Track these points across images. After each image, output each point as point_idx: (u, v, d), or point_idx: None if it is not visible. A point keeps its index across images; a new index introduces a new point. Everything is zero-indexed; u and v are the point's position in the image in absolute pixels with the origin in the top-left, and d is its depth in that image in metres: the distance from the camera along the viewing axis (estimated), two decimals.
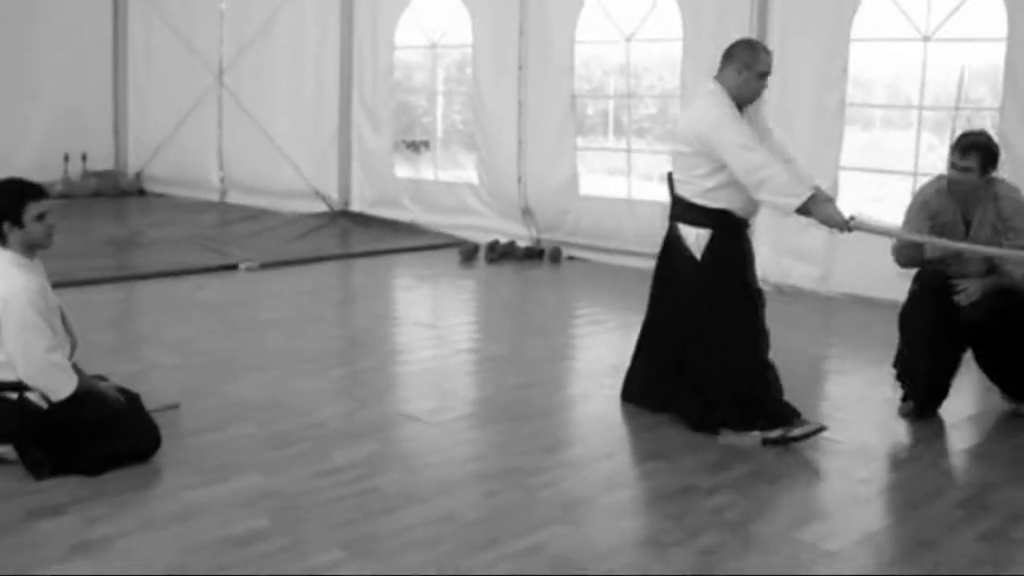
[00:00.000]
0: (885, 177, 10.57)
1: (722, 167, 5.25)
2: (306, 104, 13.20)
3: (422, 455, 5.14)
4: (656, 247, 9.92)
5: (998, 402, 5.94)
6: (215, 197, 14.55)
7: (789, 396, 5.42)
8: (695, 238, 5.40)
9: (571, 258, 10.63)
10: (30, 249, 4.78)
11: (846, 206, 5.57)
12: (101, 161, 15.51)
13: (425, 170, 12.95)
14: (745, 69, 5.31)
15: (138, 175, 15.64)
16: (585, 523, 4.32)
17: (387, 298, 9.53)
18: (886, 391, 6.07)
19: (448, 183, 12.15)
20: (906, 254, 5.71)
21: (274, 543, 4.04)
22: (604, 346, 7.55)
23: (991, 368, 5.87)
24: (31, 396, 4.71)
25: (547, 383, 6.57)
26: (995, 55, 8.10)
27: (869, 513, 4.61)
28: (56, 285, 5.07)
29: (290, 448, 5.11)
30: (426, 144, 13.89)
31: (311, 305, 8.75)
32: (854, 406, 6.02)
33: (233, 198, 14.37)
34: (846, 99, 8.75)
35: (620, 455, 5.19)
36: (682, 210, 5.50)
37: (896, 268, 5.87)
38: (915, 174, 8.46)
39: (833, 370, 6.65)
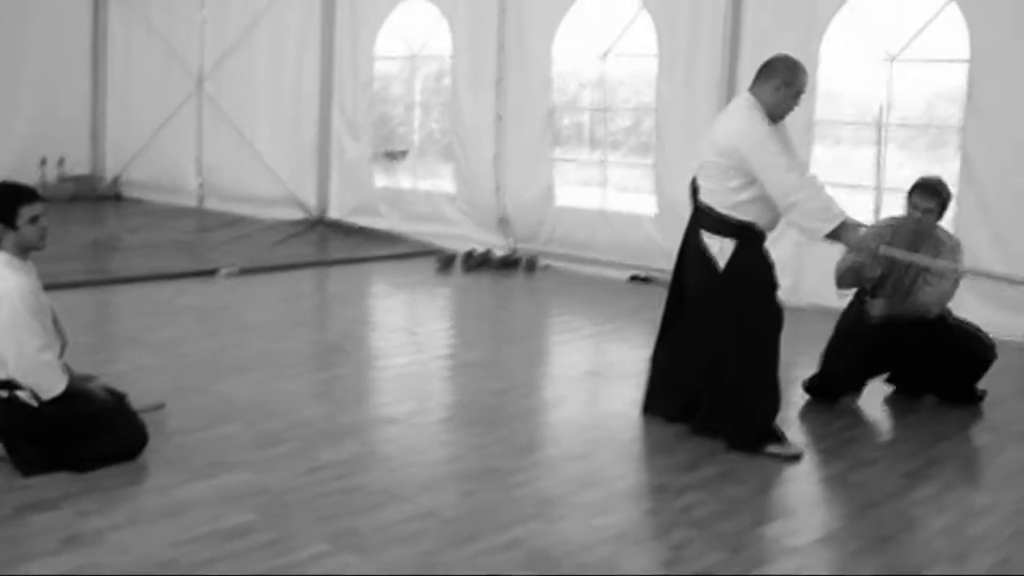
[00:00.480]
0: (856, 192, 10.80)
1: (753, 181, 5.32)
2: (286, 112, 13.35)
3: (403, 455, 5.31)
4: (630, 257, 10.27)
5: (954, 413, 6.22)
6: (193, 203, 14.66)
7: None
8: (719, 248, 5.45)
9: (547, 267, 10.83)
10: (23, 251, 4.91)
11: None
12: (78, 165, 15.60)
13: (403, 179, 13.13)
14: (784, 87, 5.39)
15: (115, 180, 15.73)
16: (560, 520, 4.50)
17: (366, 304, 9.69)
18: (849, 398, 6.35)
19: (426, 192, 12.34)
20: (847, 280, 6.23)
21: (262, 537, 4.20)
22: (578, 352, 7.75)
23: (921, 380, 6.40)
24: (21, 394, 4.83)
25: (523, 388, 6.77)
26: (958, 76, 8.35)
27: (831, 511, 4.85)
28: None
29: (276, 447, 5.27)
30: (403, 154, 14.06)
31: (291, 310, 8.92)
32: (819, 411, 6.24)
33: (211, 204, 14.48)
34: (814, 116, 9.00)
35: (594, 456, 5.36)
36: (707, 219, 5.52)
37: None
38: (878, 188, 8.70)
39: (799, 377, 6.84)
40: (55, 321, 5.06)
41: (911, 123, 9.37)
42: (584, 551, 4.19)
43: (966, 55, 8.21)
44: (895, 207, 6.68)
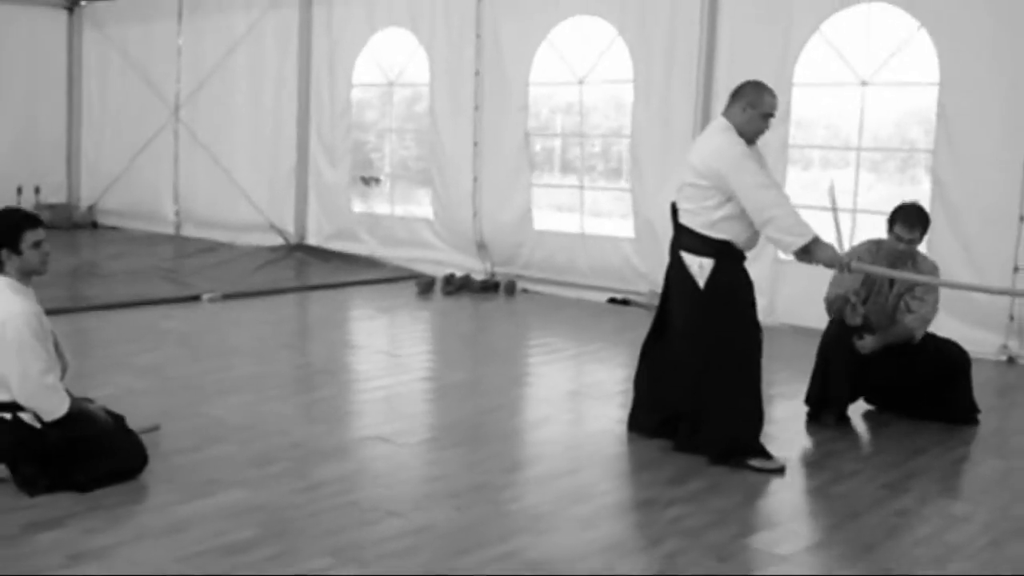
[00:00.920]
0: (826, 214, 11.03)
1: (730, 200, 5.54)
2: (264, 139, 13.49)
3: (395, 473, 5.43)
4: (609, 280, 10.45)
5: (931, 428, 6.41)
6: (170, 230, 14.78)
7: None
8: (698, 267, 5.64)
9: (525, 291, 10.99)
10: (26, 276, 5.02)
11: None
12: (54, 194, 15.68)
13: (381, 205, 13.27)
14: (750, 108, 5.63)
15: (91, 208, 15.80)
16: (553, 532, 4.63)
17: (349, 328, 9.82)
18: (827, 416, 6.52)
19: (404, 218, 12.49)
20: (838, 307, 6.40)
21: (265, 551, 4.31)
22: (560, 373, 7.89)
23: (914, 404, 6.60)
24: (24, 416, 4.94)
25: (507, 408, 6.91)
26: (928, 99, 8.59)
27: (815, 521, 5.01)
28: None
29: (270, 466, 5.38)
30: (376, 180, 14.22)
31: (275, 335, 9.03)
32: (799, 426, 6.42)
33: (188, 231, 14.61)
34: (788, 140, 9.22)
35: (582, 472, 5.49)
36: (687, 239, 5.72)
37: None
38: (854, 211, 8.93)
39: (779, 394, 7.03)
40: (56, 345, 5.16)
41: (884, 146, 9.59)
42: (579, 561, 4.33)
43: (936, 79, 8.45)
44: (867, 230, 6.90)
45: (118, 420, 5.31)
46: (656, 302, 6.31)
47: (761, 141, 5.87)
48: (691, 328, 5.76)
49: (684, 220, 5.76)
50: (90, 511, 4.69)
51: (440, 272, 11.39)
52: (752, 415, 5.71)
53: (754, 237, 5.72)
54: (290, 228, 13.29)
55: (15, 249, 4.93)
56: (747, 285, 5.81)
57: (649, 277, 10.04)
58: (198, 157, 14.29)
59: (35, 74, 15.52)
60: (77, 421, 5.02)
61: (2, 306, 4.89)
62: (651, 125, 10.11)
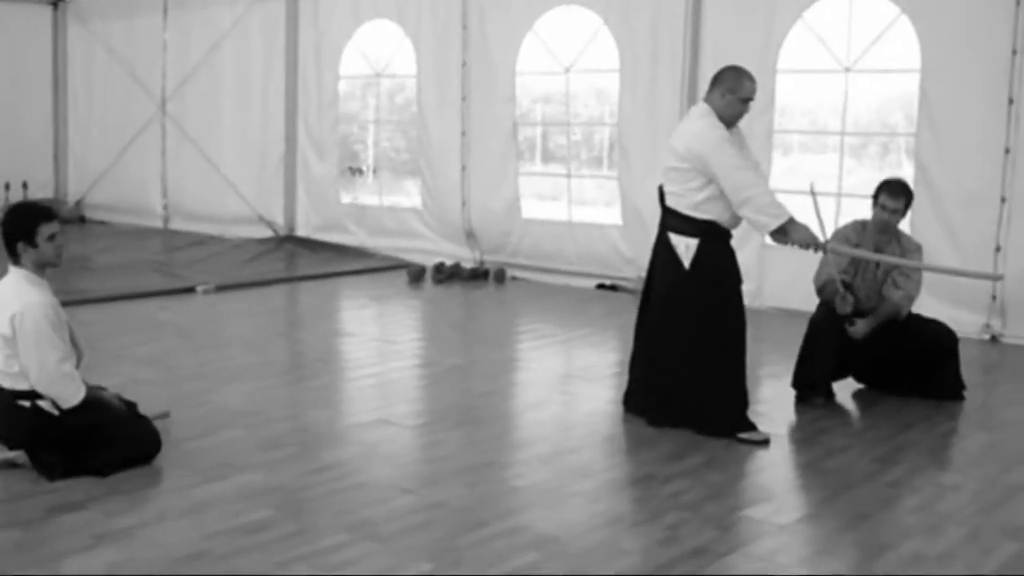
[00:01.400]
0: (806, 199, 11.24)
1: (711, 182, 5.76)
2: (251, 132, 13.59)
3: (403, 453, 5.61)
4: (596, 267, 10.62)
5: (919, 404, 6.62)
6: (158, 224, 14.85)
7: None
8: (685, 247, 5.87)
9: (514, 278, 11.15)
10: (41, 268, 5.16)
11: None
12: (42, 189, 15.71)
13: (369, 196, 13.40)
14: (729, 93, 5.83)
15: (79, 203, 15.86)
16: (560, 507, 4.80)
17: (343, 317, 9.97)
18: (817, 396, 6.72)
19: (392, 208, 12.62)
20: (828, 292, 6.57)
21: (283, 530, 4.46)
22: (552, 358, 8.06)
23: (902, 381, 6.80)
24: (43, 404, 5.08)
25: (505, 390, 7.10)
26: (911, 84, 8.79)
27: (810, 494, 5.20)
28: None
29: (280, 450, 5.53)
30: (360, 171, 14.35)
31: (271, 324, 9.18)
32: (789, 405, 6.61)
33: (176, 225, 14.69)
34: (773, 126, 9.40)
35: (583, 451, 5.66)
36: (673, 221, 5.95)
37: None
38: (839, 195, 9.13)
39: (768, 375, 7.21)
40: (72, 335, 5.29)
41: (866, 131, 9.79)
42: (586, 534, 4.50)
43: (917, 65, 8.65)
44: (849, 213, 7.09)
45: (131, 407, 5.45)
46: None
47: (747, 129, 6.06)
48: (677, 306, 5.96)
49: (670, 203, 5.99)
50: (110, 494, 4.82)
51: (429, 261, 11.54)
52: (738, 390, 5.93)
53: (737, 216, 5.91)
54: (279, 220, 13.40)
55: (31, 242, 5.06)
56: (732, 264, 6.04)
57: (636, 263, 10.21)
58: (186, 151, 14.38)
59: (20, 70, 15.56)
60: (93, 408, 5.16)
61: (20, 297, 5.03)
62: (637, 113, 10.28)
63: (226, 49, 13.76)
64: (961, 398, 6.71)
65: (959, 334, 6.86)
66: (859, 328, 6.57)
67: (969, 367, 7.01)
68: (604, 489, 5.11)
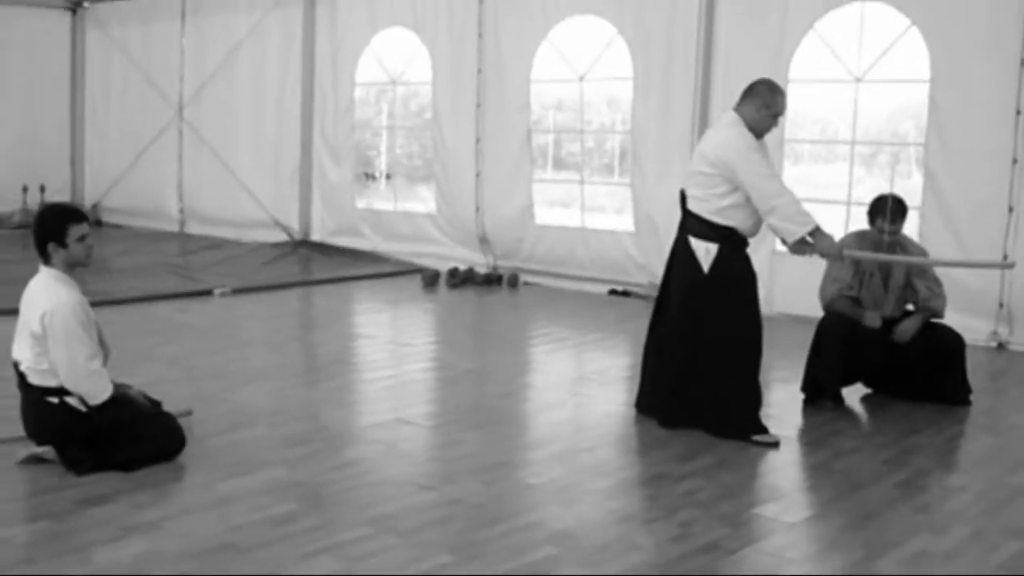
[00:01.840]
0: (818, 207, 11.36)
1: (736, 189, 5.88)
2: (268, 137, 13.76)
3: (421, 452, 5.75)
4: (609, 272, 10.75)
5: (926, 409, 6.74)
6: (174, 228, 15.03)
7: None
8: (705, 251, 6.00)
9: (527, 283, 11.29)
10: (70, 268, 5.30)
11: None
12: (58, 192, 15.86)
13: (384, 201, 13.55)
14: (764, 108, 5.96)
15: (95, 206, 16.03)
16: (576, 504, 4.92)
17: (358, 320, 10.11)
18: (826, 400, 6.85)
19: (407, 213, 12.78)
20: (839, 307, 6.77)
21: (307, 523, 4.59)
22: (567, 361, 8.19)
23: (911, 385, 6.91)
24: (71, 400, 5.21)
25: (518, 393, 7.22)
26: (920, 95, 8.91)
27: (818, 494, 5.32)
28: None
29: (301, 447, 5.66)
30: (373, 176, 14.48)
31: (288, 327, 9.33)
32: (799, 409, 6.74)
33: (192, 228, 14.88)
34: (784, 135, 9.53)
35: (598, 450, 5.79)
36: (695, 224, 6.06)
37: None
38: (848, 203, 9.25)
39: (778, 379, 7.33)
40: (99, 333, 5.43)
41: (876, 140, 9.91)
42: (601, 530, 4.62)
43: (927, 75, 8.77)
44: (860, 221, 7.21)
45: (156, 405, 5.59)
46: (655, 294, 6.62)
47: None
48: (693, 310, 6.08)
49: (692, 207, 6.10)
50: (137, 488, 4.96)
51: (443, 266, 11.69)
52: (752, 393, 6.05)
53: (757, 224, 6.05)
54: (294, 224, 13.56)
55: (61, 243, 5.20)
56: (749, 270, 6.17)
57: (648, 269, 10.36)
58: (202, 155, 14.56)
59: (39, 74, 15.76)
60: (120, 405, 5.29)
61: (50, 296, 5.16)
62: (650, 121, 10.42)
63: (243, 55, 13.94)
64: (968, 403, 6.82)
65: (967, 341, 6.97)
66: (873, 317, 6.66)
67: (976, 373, 7.13)
68: (618, 487, 5.23)
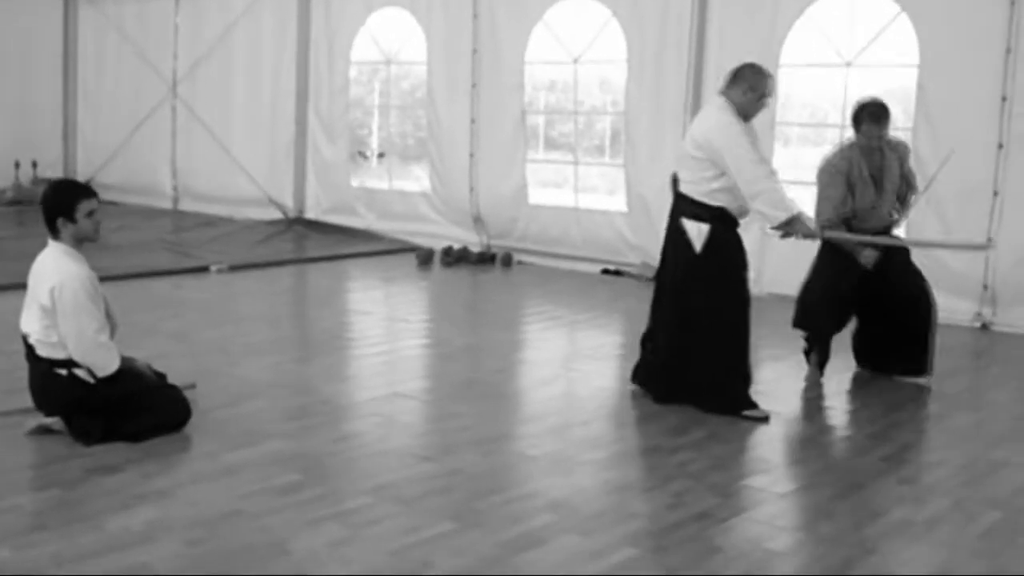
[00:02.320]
0: (807, 189, 11.52)
1: (724, 173, 6.02)
2: (262, 115, 13.83)
3: (421, 424, 5.92)
4: (602, 252, 10.88)
5: (908, 387, 6.90)
6: (168, 204, 15.12)
7: None
8: (697, 232, 6.14)
9: (520, 263, 11.44)
10: (79, 243, 5.42)
11: None
12: (51, 168, 15.91)
13: (378, 179, 13.66)
14: (751, 91, 6.10)
15: (88, 182, 16.01)
16: (572, 475, 5.09)
17: (355, 297, 10.24)
18: (813, 372, 7.08)
19: (401, 192, 12.90)
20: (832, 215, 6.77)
21: (312, 492, 4.74)
22: (561, 339, 8.35)
23: (881, 352, 7.07)
24: (79, 372, 5.34)
25: (515, 368, 7.39)
26: (909, 80, 9.07)
27: (806, 466, 5.48)
28: None
29: (304, 420, 5.82)
30: (364, 155, 14.57)
31: (286, 303, 9.47)
32: (789, 384, 6.93)
33: (186, 206, 14.96)
34: (775, 118, 9.67)
35: (593, 423, 5.96)
36: (687, 206, 6.21)
37: None
38: None
39: (768, 356, 7.50)
40: (107, 307, 5.56)
41: None
42: (597, 499, 4.79)
43: (916, 60, 8.92)
44: None
45: (161, 377, 5.73)
46: (648, 273, 6.77)
47: (752, 121, 6.32)
48: (686, 289, 6.24)
49: (684, 189, 6.26)
50: (145, 458, 5.10)
51: (437, 245, 11.82)
52: (742, 369, 6.22)
53: (746, 205, 6.20)
54: (289, 202, 13.67)
55: (70, 217, 5.32)
56: (740, 250, 6.32)
57: (641, 249, 10.51)
58: (196, 132, 14.63)
59: (31, 50, 15.78)
60: (127, 377, 5.43)
61: (59, 270, 5.28)
62: (643, 103, 10.54)
63: (238, 33, 14.00)
64: (927, 373, 6.90)
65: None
66: (869, 256, 6.71)
67: (960, 352, 7.33)
68: (613, 459, 5.40)
